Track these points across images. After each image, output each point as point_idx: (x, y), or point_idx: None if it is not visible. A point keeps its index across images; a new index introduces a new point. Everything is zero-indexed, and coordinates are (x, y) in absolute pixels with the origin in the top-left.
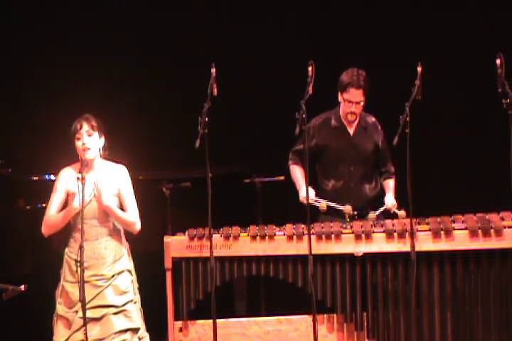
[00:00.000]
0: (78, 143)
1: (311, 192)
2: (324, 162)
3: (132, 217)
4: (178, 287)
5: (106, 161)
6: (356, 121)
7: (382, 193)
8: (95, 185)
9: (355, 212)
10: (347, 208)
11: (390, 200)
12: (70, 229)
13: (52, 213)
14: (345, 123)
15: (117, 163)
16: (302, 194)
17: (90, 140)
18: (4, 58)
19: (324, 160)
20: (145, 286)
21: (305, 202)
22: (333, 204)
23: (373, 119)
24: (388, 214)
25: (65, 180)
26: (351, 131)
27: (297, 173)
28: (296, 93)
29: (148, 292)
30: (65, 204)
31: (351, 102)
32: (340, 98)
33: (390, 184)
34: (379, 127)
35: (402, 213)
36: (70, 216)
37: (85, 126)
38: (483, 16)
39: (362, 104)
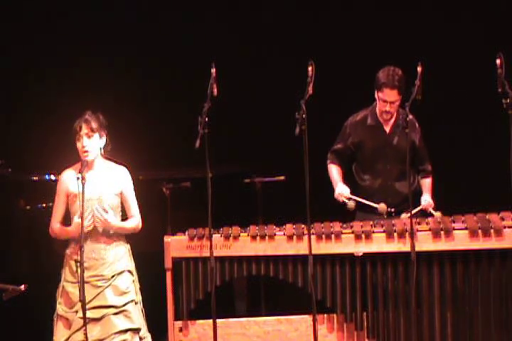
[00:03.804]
0: (78, 144)
1: (346, 189)
2: (361, 160)
3: (136, 220)
4: (178, 287)
5: (107, 161)
6: (393, 120)
7: (419, 190)
8: (98, 212)
9: (392, 209)
10: (381, 207)
11: (426, 200)
12: None
13: (57, 218)
14: (382, 121)
15: (117, 163)
16: (337, 191)
17: (89, 142)
18: (5, 58)
19: (361, 158)
20: (145, 286)
21: (339, 198)
22: (367, 202)
23: (410, 117)
24: (424, 214)
25: (66, 182)
26: (387, 129)
27: (334, 172)
28: (296, 93)
29: (148, 292)
30: (68, 206)
31: (386, 102)
32: (376, 95)
33: (426, 183)
34: (416, 125)
35: (437, 214)
36: (73, 234)
37: (84, 129)
38: (484, 16)
39: (397, 103)
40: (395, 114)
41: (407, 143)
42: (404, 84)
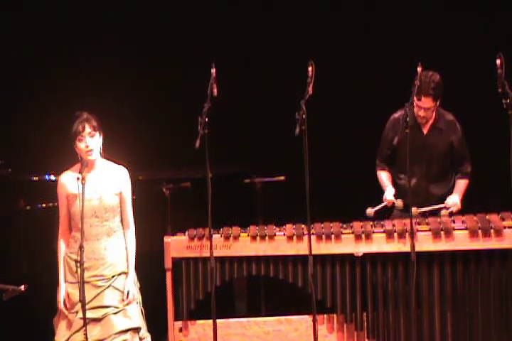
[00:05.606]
0: (81, 145)
1: (392, 191)
2: (398, 160)
3: (132, 236)
4: (178, 287)
5: (107, 161)
6: (431, 121)
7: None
8: (126, 294)
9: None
10: (398, 203)
11: (452, 199)
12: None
13: (64, 224)
14: (419, 122)
15: (117, 164)
16: (385, 195)
17: (93, 141)
18: (5, 58)
19: (398, 158)
20: (145, 286)
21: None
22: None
23: (451, 118)
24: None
25: (65, 184)
26: (425, 130)
27: (383, 177)
28: (296, 93)
29: (148, 292)
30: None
31: (420, 107)
32: (412, 98)
33: (459, 184)
34: (457, 125)
35: (444, 212)
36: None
37: (87, 128)
38: (483, 16)
39: (432, 109)
40: (434, 116)
41: (408, 144)
42: (442, 89)
